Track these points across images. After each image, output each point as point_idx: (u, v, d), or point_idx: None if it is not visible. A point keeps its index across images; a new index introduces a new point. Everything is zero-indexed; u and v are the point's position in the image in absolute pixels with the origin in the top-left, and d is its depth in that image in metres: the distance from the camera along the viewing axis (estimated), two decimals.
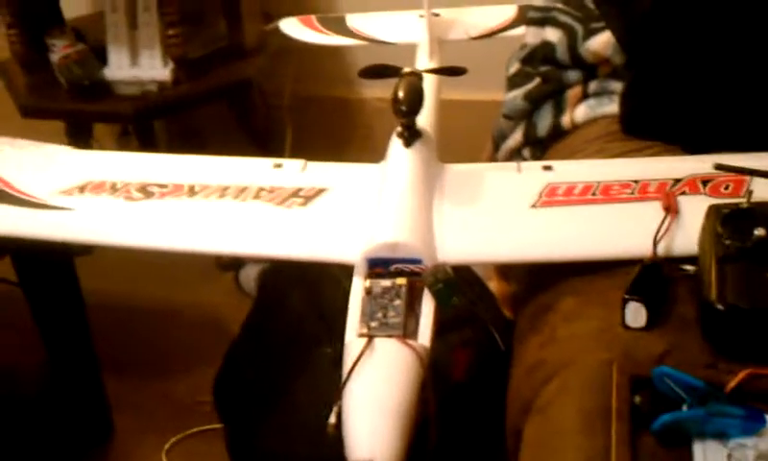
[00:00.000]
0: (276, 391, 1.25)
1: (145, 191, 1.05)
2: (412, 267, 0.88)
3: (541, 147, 1.23)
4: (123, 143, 1.98)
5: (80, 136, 1.78)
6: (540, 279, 0.98)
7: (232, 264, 1.60)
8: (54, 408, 1.30)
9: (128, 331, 1.53)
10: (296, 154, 1.11)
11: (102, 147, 1.79)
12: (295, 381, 1.21)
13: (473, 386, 0.98)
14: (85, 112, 1.77)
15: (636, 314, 0.81)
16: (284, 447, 1.21)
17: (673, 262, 0.88)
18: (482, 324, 0.95)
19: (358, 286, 0.88)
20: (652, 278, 0.85)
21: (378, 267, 0.89)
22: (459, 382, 0.92)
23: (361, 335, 0.83)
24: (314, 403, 1.12)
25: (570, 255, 0.92)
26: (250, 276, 1.59)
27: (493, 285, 1.35)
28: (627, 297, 0.81)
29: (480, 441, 1.02)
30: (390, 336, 0.82)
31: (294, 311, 1.28)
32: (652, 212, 0.93)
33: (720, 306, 0.75)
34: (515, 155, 1.27)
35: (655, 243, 0.88)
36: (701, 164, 1.01)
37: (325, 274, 1.17)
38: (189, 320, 1.58)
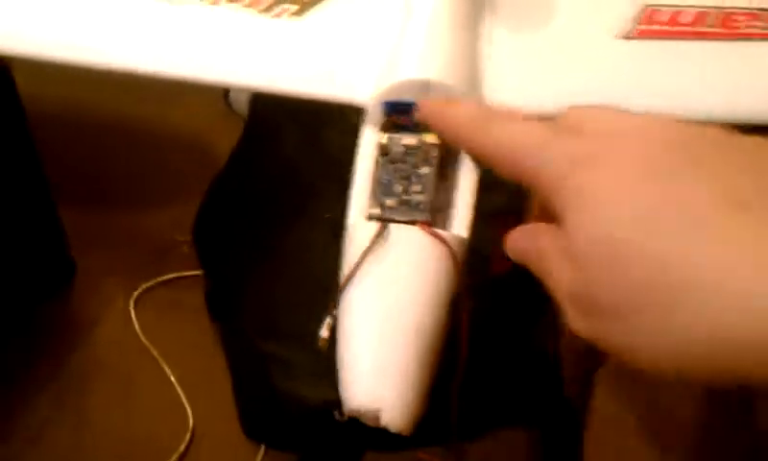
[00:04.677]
0: (264, 242, 1.02)
1: None
2: None
3: None
4: None
5: None
6: None
7: None
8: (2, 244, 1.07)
9: (92, 155, 1.28)
10: None
11: None
12: (284, 237, 0.97)
13: (519, 281, 0.73)
14: None
15: None
16: (268, 311, 0.99)
17: None
18: None
19: (370, 142, 0.62)
20: None
21: (400, 115, 0.63)
22: (499, 277, 0.68)
23: (370, 217, 0.58)
24: (303, 270, 0.90)
25: (676, 112, 0.64)
26: (242, 93, 1.32)
27: None
28: None
29: (523, 356, 0.78)
30: (412, 222, 0.57)
31: (289, 149, 1.03)
32: None
33: None
34: None
35: None
36: None
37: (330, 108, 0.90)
38: (167, 143, 1.33)
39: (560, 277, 0.34)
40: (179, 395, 1.07)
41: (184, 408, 1.05)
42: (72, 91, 1.22)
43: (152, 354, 1.10)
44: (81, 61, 0.72)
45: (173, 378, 1.08)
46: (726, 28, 0.69)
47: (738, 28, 0.69)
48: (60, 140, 1.18)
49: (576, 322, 0.34)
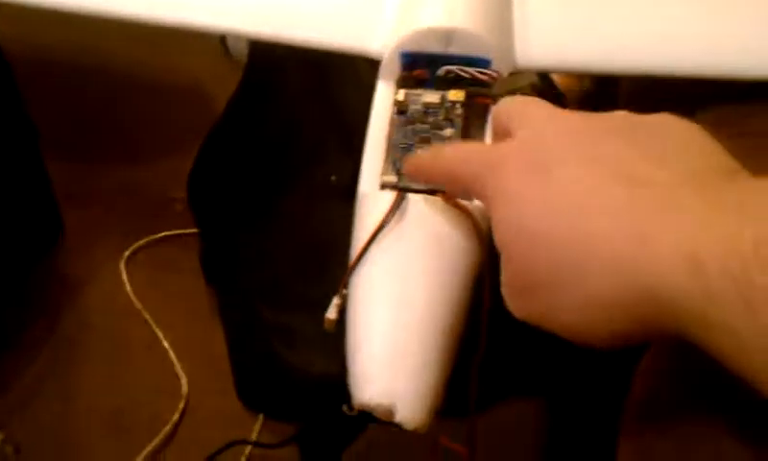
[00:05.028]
0: (264, 201, 0.96)
1: None
2: (474, 72, 0.54)
3: None
4: None
5: None
6: (663, 100, 0.64)
7: None
8: None
9: (79, 103, 1.20)
10: None
11: None
12: (286, 196, 0.91)
13: None
14: None
15: None
16: (269, 275, 0.93)
17: None
18: None
19: (385, 99, 0.55)
20: None
21: (419, 68, 0.55)
22: None
23: (385, 186, 0.51)
24: (307, 233, 0.84)
25: (737, 69, 0.57)
26: (241, 38, 1.24)
27: (558, 77, 1.02)
28: None
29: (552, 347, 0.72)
30: (433, 192, 0.50)
31: (292, 99, 0.96)
32: None
33: None
34: None
35: None
36: None
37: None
38: (159, 90, 1.24)
39: (501, 268, 0.39)
40: (172, 361, 1.01)
41: (178, 375, 0.99)
42: (57, 33, 1.14)
43: (144, 317, 1.04)
44: (65, 6, 0.66)
45: (166, 344, 1.02)
46: None
47: None
48: (45, 87, 1.11)
49: (510, 305, 0.39)
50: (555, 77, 1.01)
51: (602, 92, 0.88)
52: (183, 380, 1.00)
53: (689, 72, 0.59)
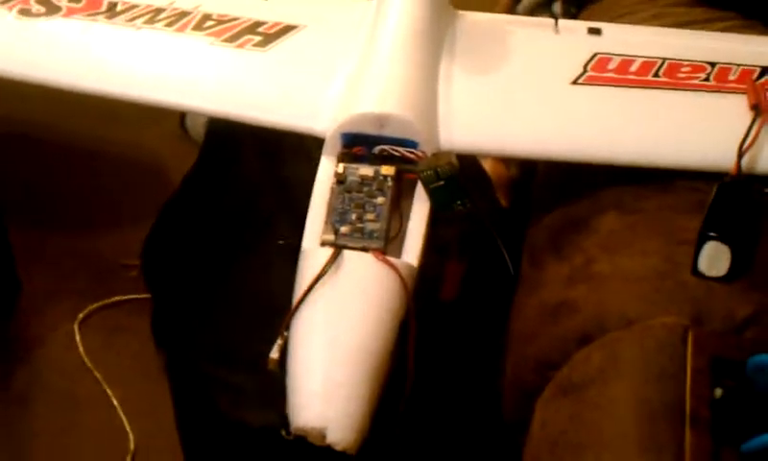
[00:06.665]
0: (215, 268, 1.02)
1: (49, 4, 0.78)
2: (404, 151, 0.64)
3: (577, 3, 0.96)
4: None
5: None
6: (570, 179, 0.73)
7: None
8: None
9: (42, 174, 1.26)
10: None
11: None
12: (238, 262, 0.97)
13: (465, 308, 0.74)
14: None
15: (715, 258, 0.57)
16: (218, 336, 0.99)
17: (756, 182, 0.65)
18: (486, 230, 0.72)
19: (327, 171, 0.64)
20: (735, 204, 0.61)
21: (357, 147, 0.64)
22: (447, 303, 0.70)
23: (324, 243, 0.59)
24: (253, 295, 0.90)
25: (621, 157, 0.68)
26: (198, 118, 1.31)
27: (489, 166, 1.12)
28: (707, 233, 0.57)
29: (470, 381, 0.79)
30: (365, 249, 0.59)
31: (247, 173, 1.03)
32: (733, 109, 0.69)
33: None
34: (540, 9, 1.00)
35: (739, 154, 0.64)
36: None
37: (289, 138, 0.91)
38: (119, 164, 1.31)
39: None
40: (121, 419, 1.04)
41: (126, 432, 1.03)
42: (23, 109, 1.22)
43: (95, 377, 1.08)
44: (46, 80, 0.73)
45: (115, 402, 1.06)
46: (670, 78, 0.72)
47: (683, 79, 0.72)
48: (9, 158, 1.17)
49: None
50: (485, 165, 1.10)
51: (527, 180, 0.97)
52: (131, 437, 1.03)
53: (590, 159, 0.69)
